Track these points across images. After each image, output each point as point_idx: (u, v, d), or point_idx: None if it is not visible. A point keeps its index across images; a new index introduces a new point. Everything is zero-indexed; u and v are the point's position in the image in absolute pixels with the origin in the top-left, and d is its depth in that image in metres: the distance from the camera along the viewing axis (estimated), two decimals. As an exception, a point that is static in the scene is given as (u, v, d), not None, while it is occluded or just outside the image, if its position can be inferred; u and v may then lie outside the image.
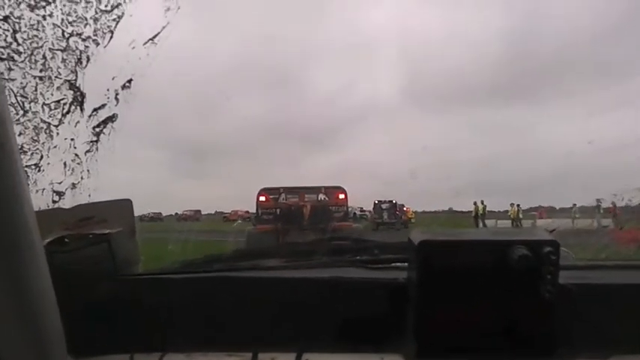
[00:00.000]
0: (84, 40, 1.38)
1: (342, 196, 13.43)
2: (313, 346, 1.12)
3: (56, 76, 1.38)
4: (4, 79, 1.31)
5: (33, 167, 1.39)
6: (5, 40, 1.30)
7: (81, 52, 1.38)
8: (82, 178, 1.46)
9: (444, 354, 1.05)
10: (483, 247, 1.04)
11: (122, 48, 1.44)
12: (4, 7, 1.28)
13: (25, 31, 1.32)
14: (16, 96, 1.34)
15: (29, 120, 1.37)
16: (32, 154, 1.38)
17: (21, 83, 1.34)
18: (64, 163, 1.45)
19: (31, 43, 1.33)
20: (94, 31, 1.38)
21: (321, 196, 13.31)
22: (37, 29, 1.33)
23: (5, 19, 1.29)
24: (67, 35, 1.36)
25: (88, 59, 1.39)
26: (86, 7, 1.36)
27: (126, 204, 1.36)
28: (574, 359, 1.05)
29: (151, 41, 1.45)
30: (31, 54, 1.34)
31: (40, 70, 1.36)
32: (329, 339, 1.12)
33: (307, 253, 1.61)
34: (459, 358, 1.05)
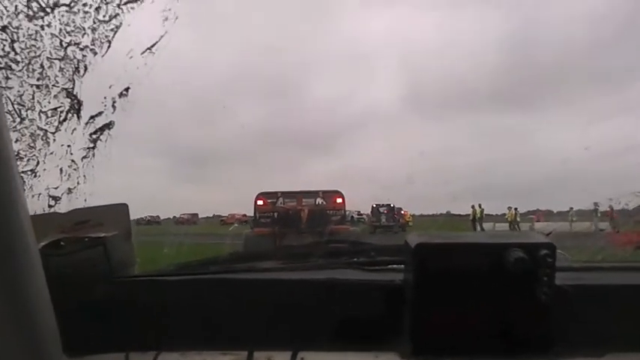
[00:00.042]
0: (82, 49, 1.39)
1: (339, 200, 13.40)
2: (309, 346, 1.12)
3: (53, 85, 1.39)
4: (2, 87, 1.32)
5: (29, 173, 1.40)
6: (3, 49, 1.31)
7: (79, 61, 1.39)
8: (78, 183, 1.47)
9: (439, 354, 1.05)
10: (480, 249, 1.05)
11: (120, 57, 1.45)
12: (2, 18, 1.30)
13: (23, 41, 1.33)
14: (13, 104, 1.35)
15: (26, 127, 1.38)
16: (29, 160, 1.39)
17: (18, 91, 1.35)
18: (61, 169, 1.45)
19: (28, 53, 1.34)
20: (92, 40, 1.39)
21: (319, 200, 13.27)
22: (35, 39, 1.34)
23: (3, 29, 1.30)
24: (64, 45, 1.37)
25: (86, 68, 1.40)
26: (84, 17, 1.37)
27: (122, 208, 1.37)
28: (570, 358, 1.06)
29: (148, 50, 1.46)
30: (29, 63, 1.35)
31: (38, 79, 1.37)
32: (325, 339, 1.13)
33: (304, 256, 1.61)
34: (454, 359, 1.05)
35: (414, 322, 1.07)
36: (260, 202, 13.25)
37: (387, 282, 1.17)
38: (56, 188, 1.46)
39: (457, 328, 1.05)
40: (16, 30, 1.31)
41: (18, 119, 1.37)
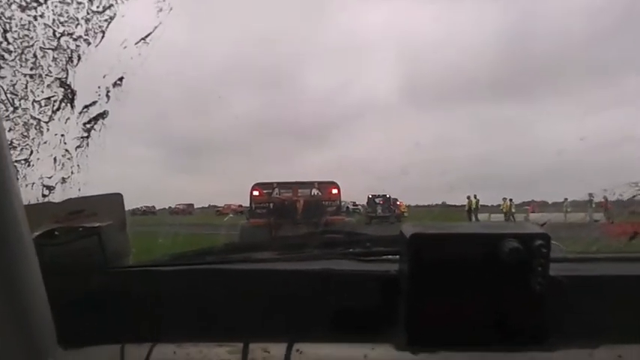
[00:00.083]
0: (75, 39, 1.38)
1: (334, 190, 13.44)
2: (305, 336, 1.12)
3: (47, 74, 1.38)
4: None
5: (23, 162, 1.39)
6: None
7: (72, 51, 1.38)
8: (72, 172, 1.46)
9: (434, 344, 1.06)
10: (474, 239, 1.05)
11: (114, 47, 1.44)
12: None
13: (15, 31, 1.32)
14: (5, 93, 1.34)
15: (19, 116, 1.37)
16: (22, 149, 1.39)
17: (11, 81, 1.35)
18: (54, 159, 1.45)
19: (21, 43, 1.33)
20: (86, 31, 1.38)
21: (314, 191, 13.32)
22: (28, 29, 1.33)
23: None
24: (58, 35, 1.36)
25: (79, 58, 1.39)
26: (78, 7, 1.36)
27: (116, 198, 1.36)
28: (564, 349, 1.06)
29: (142, 41, 1.45)
30: (22, 53, 1.34)
31: (31, 69, 1.36)
32: (320, 330, 1.13)
33: (299, 246, 1.60)
34: (449, 349, 1.06)
35: (410, 313, 1.07)
36: (256, 193, 13.27)
37: (383, 272, 1.17)
38: (50, 178, 1.45)
39: (452, 318, 1.05)
40: (8, 20, 1.30)
41: (11, 108, 1.36)
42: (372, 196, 28.39)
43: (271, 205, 12.98)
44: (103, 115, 1.46)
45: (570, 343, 1.07)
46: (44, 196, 1.44)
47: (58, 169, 1.46)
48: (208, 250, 1.58)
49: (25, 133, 1.39)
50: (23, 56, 1.35)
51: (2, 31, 1.30)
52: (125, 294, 1.19)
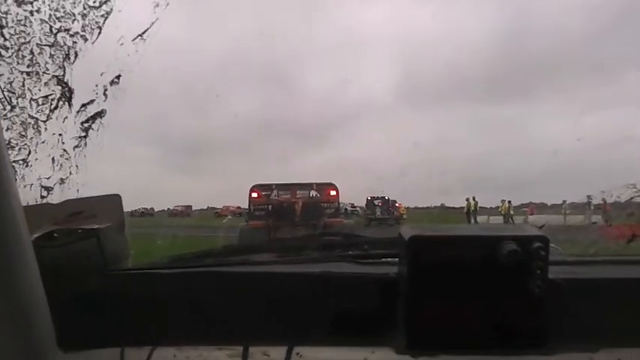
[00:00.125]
0: (72, 35, 1.37)
1: (333, 192, 13.48)
2: (304, 340, 1.12)
3: (44, 72, 1.37)
4: None
5: (21, 162, 1.38)
6: None
7: (69, 47, 1.37)
8: (70, 173, 1.45)
9: (433, 347, 1.06)
10: (473, 242, 1.05)
11: (111, 44, 1.43)
12: None
13: (12, 27, 1.31)
14: (2, 91, 1.33)
15: (17, 115, 1.36)
16: (20, 149, 1.38)
17: (8, 78, 1.33)
18: (53, 159, 1.44)
19: (18, 39, 1.32)
20: (82, 27, 1.37)
21: (313, 193, 13.36)
22: (25, 25, 1.32)
23: None
24: (54, 31, 1.35)
25: (76, 55, 1.38)
26: (74, 3, 1.35)
27: (115, 199, 1.36)
28: (563, 352, 1.06)
29: (139, 37, 1.45)
30: (19, 49, 1.33)
31: (28, 66, 1.35)
32: (320, 333, 1.13)
33: (298, 249, 1.60)
34: (448, 352, 1.05)
35: (409, 316, 1.07)
36: (254, 195, 13.31)
37: (382, 275, 1.17)
38: (48, 178, 1.44)
39: (451, 321, 1.05)
40: (4, 15, 1.29)
41: (8, 107, 1.35)
42: (371, 198, 28.47)
43: (270, 206, 13.01)
44: (100, 113, 1.45)
45: (569, 346, 1.07)
46: (43, 197, 1.43)
47: (56, 169, 1.45)
48: (207, 253, 1.58)
49: (23, 133, 1.38)
50: (20, 53, 1.34)
51: None
52: (124, 297, 1.19)
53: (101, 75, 1.45)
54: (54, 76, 1.38)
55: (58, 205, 1.35)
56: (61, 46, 1.37)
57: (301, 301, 1.16)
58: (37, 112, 1.39)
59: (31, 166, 1.41)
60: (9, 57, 1.32)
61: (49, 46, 1.36)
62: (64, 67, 1.39)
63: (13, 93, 1.35)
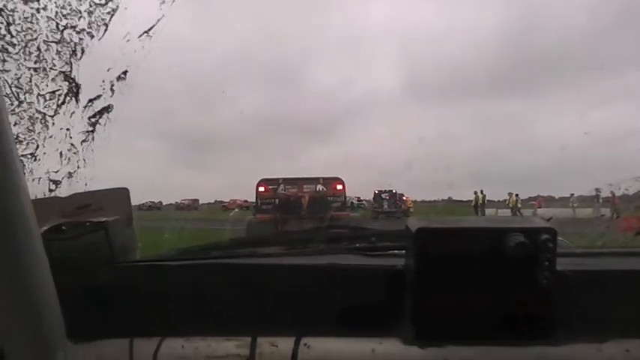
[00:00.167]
0: (78, 32, 1.38)
1: (339, 186, 13.45)
2: (312, 331, 1.12)
3: (51, 68, 1.39)
4: None
5: (29, 157, 1.40)
6: None
7: (75, 44, 1.39)
8: (78, 167, 1.47)
9: (441, 338, 1.06)
10: (480, 234, 1.04)
11: (117, 40, 1.44)
12: None
13: (19, 24, 1.32)
14: (10, 87, 1.34)
15: (24, 110, 1.38)
16: (28, 143, 1.39)
17: (15, 75, 1.35)
18: (60, 153, 1.45)
19: (25, 36, 1.33)
20: (89, 23, 1.38)
21: (319, 187, 13.33)
22: (31, 22, 1.33)
23: None
24: (61, 28, 1.36)
25: (83, 51, 1.40)
26: (80, 0, 1.36)
27: (123, 192, 1.37)
28: (571, 343, 1.05)
29: (146, 34, 1.45)
30: (26, 46, 1.34)
31: (35, 62, 1.36)
32: (328, 324, 1.13)
33: (305, 241, 1.60)
34: (456, 343, 1.05)
35: (416, 307, 1.06)
36: (261, 189, 13.31)
37: (388, 267, 1.16)
38: (56, 172, 1.46)
39: (458, 312, 1.05)
40: (11, 13, 1.30)
41: (16, 102, 1.36)
42: (379, 191, 28.41)
43: (277, 200, 13.01)
44: (107, 109, 1.46)
45: (578, 337, 1.06)
46: (51, 190, 1.45)
47: (64, 163, 1.46)
48: (215, 245, 1.59)
49: (31, 127, 1.40)
50: (27, 49, 1.35)
51: (6, 24, 1.30)
52: (133, 288, 1.19)
53: (108, 71, 1.46)
54: (61, 72, 1.40)
55: (66, 199, 1.36)
56: (68, 43, 1.38)
57: (309, 293, 1.16)
58: (45, 107, 1.41)
59: (40, 160, 1.42)
60: (16, 53, 1.33)
61: (55, 42, 1.37)
62: (71, 63, 1.40)
63: (21, 89, 1.36)
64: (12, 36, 1.32)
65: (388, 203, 28.08)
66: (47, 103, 1.41)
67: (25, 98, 1.37)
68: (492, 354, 1.05)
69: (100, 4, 1.37)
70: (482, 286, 1.04)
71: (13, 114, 1.35)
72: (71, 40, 1.38)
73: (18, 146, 1.33)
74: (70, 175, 1.46)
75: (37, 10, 1.33)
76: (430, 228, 1.05)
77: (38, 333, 0.93)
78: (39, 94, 1.39)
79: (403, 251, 1.17)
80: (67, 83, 1.41)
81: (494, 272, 1.03)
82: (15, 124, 1.35)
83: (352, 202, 26.38)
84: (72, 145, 1.46)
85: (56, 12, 1.35)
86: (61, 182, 1.46)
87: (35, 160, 1.41)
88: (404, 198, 28.88)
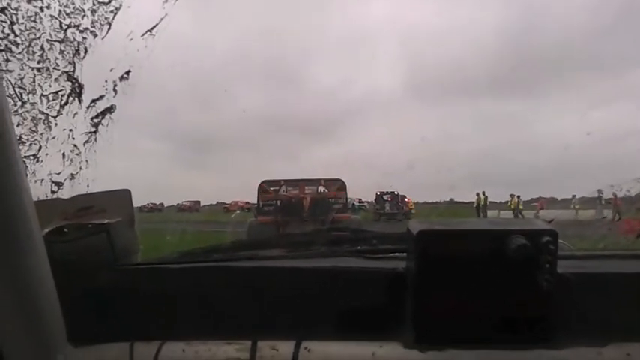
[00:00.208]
0: (82, 31, 1.38)
1: (341, 188, 13.49)
2: (312, 334, 1.11)
3: (54, 68, 1.39)
4: (2, 70, 1.31)
5: (32, 158, 1.40)
6: (3, 31, 1.30)
7: (79, 43, 1.39)
8: (80, 168, 1.47)
9: (442, 341, 1.05)
10: (482, 236, 1.04)
11: (120, 40, 1.44)
12: (1, 0, 1.28)
13: (22, 23, 1.32)
14: (14, 87, 1.34)
15: (27, 111, 1.38)
16: (31, 144, 1.39)
17: (19, 74, 1.35)
18: (63, 154, 1.45)
19: (28, 35, 1.33)
20: (92, 22, 1.38)
21: (321, 189, 13.37)
22: (35, 21, 1.33)
23: (2, 10, 1.29)
24: (64, 27, 1.36)
25: (86, 51, 1.40)
26: (84, -1, 1.36)
27: (124, 194, 1.36)
28: (572, 346, 1.05)
29: (148, 33, 1.45)
30: (29, 45, 1.34)
31: (38, 62, 1.36)
32: (328, 327, 1.12)
33: (306, 243, 1.59)
34: (457, 346, 1.05)
35: (417, 310, 1.06)
36: (263, 191, 13.34)
37: (390, 270, 1.16)
38: (59, 174, 1.46)
39: (459, 315, 1.04)
40: (15, 12, 1.30)
41: (19, 103, 1.36)
42: (381, 193, 28.42)
43: (278, 202, 13.04)
44: (110, 109, 1.46)
45: (578, 340, 1.06)
46: (53, 192, 1.45)
47: (66, 164, 1.46)
48: (216, 248, 1.59)
49: (34, 128, 1.39)
50: (30, 49, 1.35)
51: (9, 22, 1.30)
52: (134, 291, 1.19)
53: (111, 71, 1.46)
54: (64, 72, 1.40)
55: (68, 201, 1.35)
56: (71, 42, 1.38)
57: (310, 296, 1.15)
58: (48, 107, 1.41)
59: (42, 161, 1.42)
60: (20, 53, 1.33)
61: (59, 42, 1.37)
62: (74, 63, 1.40)
63: (24, 89, 1.36)
64: (16, 35, 1.31)
65: (390, 205, 28.11)
66: (50, 103, 1.41)
67: (28, 99, 1.37)
68: (493, 357, 1.05)
69: (104, 3, 1.37)
70: (483, 289, 1.04)
71: (16, 115, 1.34)
72: (74, 40, 1.38)
73: (21, 147, 1.32)
74: (72, 176, 1.46)
75: (41, 8, 1.33)
76: (431, 230, 1.05)
77: (38, 336, 0.92)
78: (42, 95, 1.39)
79: (404, 254, 1.16)
80: (70, 83, 1.41)
81: (495, 275, 1.03)
82: (18, 125, 1.35)
83: (353, 204, 26.42)
84: (74, 146, 1.46)
85: (60, 11, 1.35)
86: (63, 184, 1.46)
87: (38, 161, 1.41)
88: (406, 200, 28.90)
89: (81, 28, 1.38)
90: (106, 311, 1.17)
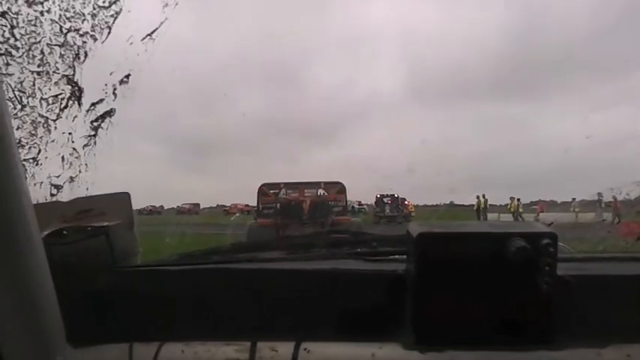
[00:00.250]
0: (82, 35, 1.39)
1: (340, 191, 13.51)
2: (312, 336, 1.11)
3: (54, 71, 1.39)
4: (2, 74, 1.32)
5: (31, 161, 1.40)
6: (3, 35, 1.31)
7: (79, 47, 1.39)
8: (80, 171, 1.47)
9: (441, 343, 1.05)
10: (482, 238, 1.04)
11: (120, 44, 1.44)
12: (1, 3, 1.29)
13: (22, 27, 1.33)
14: (13, 90, 1.34)
15: (27, 114, 1.38)
16: (30, 148, 1.40)
17: (19, 78, 1.35)
18: (62, 157, 1.45)
19: (28, 39, 1.34)
20: (92, 26, 1.39)
21: (321, 191, 13.39)
22: (35, 25, 1.34)
23: (3, 14, 1.29)
24: (64, 31, 1.37)
25: (86, 55, 1.40)
26: (84, 3, 1.37)
27: (124, 197, 1.36)
28: (571, 348, 1.05)
29: (149, 37, 1.46)
30: (29, 49, 1.34)
31: (38, 65, 1.37)
32: (328, 329, 1.12)
33: (306, 246, 1.60)
34: (456, 348, 1.05)
35: (417, 312, 1.06)
36: (263, 193, 13.35)
37: (390, 272, 1.16)
38: (58, 177, 1.46)
39: (459, 317, 1.05)
40: (15, 16, 1.31)
41: (19, 106, 1.37)
42: (381, 195, 28.46)
43: (278, 205, 13.05)
44: (110, 112, 1.46)
45: (578, 342, 1.06)
46: (52, 195, 1.45)
47: (66, 167, 1.46)
48: (216, 250, 1.58)
49: (33, 132, 1.40)
50: (30, 53, 1.35)
51: (9, 26, 1.31)
52: (133, 293, 1.19)
53: (111, 74, 1.46)
54: (64, 76, 1.40)
55: (67, 203, 1.35)
56: (71, 46, 1.39)
57: (309, 298, 1.15)
58: (47, 111, 1.41)
59: (41, 164, 1.42)
60: (20, 57, 1.34)
61: (59, 45, 1.38)
62: (74, 67, 1.40)
63: (24, 92, 1.37)
64: (16, 39, 1.32)
65: (390, 207, 28.14)
66: (50, 106, 1.41)
67: (28, 102, 1.38)
68: (493, 358, 1.05)
69: (104, 7, 1.38)
70: (483, 291, 1.04)
71: (15, 118, 1.35)
72: (74, 44, 1.39)
73: (20, 150, 1.33)
74: (71, 179, 1.47)
75: (41, 12, 1.33)
76: (431, 233, 1.05)
77: (38, 337, 0.93)
78: (42, 98, 1.39)
79: (404, 256, 1.16)
80: (69, 87, 1.41)
81: (495, 277, 1.03)
82: (18, 128, 1.36)
83: (353, 207, 26.40)
84: (74, 149, 1.46)
85: (60, 15, 1.36)
86: (62, 187, 1.46)
87: (37, 164, 1.41)
88: (406, 202, 28.90)
89: (81, 32, 1.38)
90: (105, 313, 1.17)
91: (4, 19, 1.30)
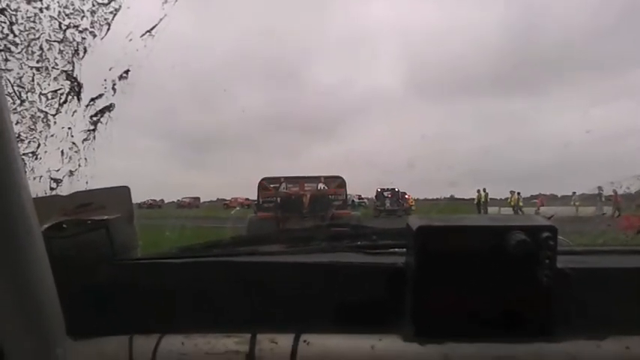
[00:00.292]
0: (81, 32, 1.39)
1: (340, 185, 13.50)
2: (312, 328, 1.12)
3: (53, 67, 1.39)
4: (1, 69, 1.32)
5: (30, 155, 1.41)
6: (2, 31, 1.31)
7: (78, 43, 1.39)
8: (79, 165, 1.47)
9: (440, 335, 1.06)
10: (481, 232, 1.05)
11: (119, 40, 1.44)
12: (0, 0, 1.29)
13: (21, 23, 1.33)
14: (13, 86, 1.35)
15: (26, 109, 1.39)
16: (30, 142, 1.40)
17: (18, 74, 1.36)
18: (62, 152, 1.46)
19: (27, 35, 1.34)
20: (91, 23, 1.39)
21: (321, 185, 13.39)
22: (34, 21, 1.34)
23: (2, 11, 1.30)
24: (63, 27, 1.37)
25: (85, 50, 1.40)
26: (83, 0, 1.37)
27: (124, 191, 1.36)
28: (571, 340, 1.05)
29: (148, 33, 1.45)
30: (28, 45, 1.35)
31: (37, 61, 1.37)
32: (328, 321, 1.13)
33: (306, 239, 1.59)
34: (455, 340, 1.05)
35: (416, 305, 1.07)
36: (263, 187, 13.35)
37: (389, 265, 1.16)
38: (57, 171, 1.46)
39: (459, 310, 1.05)
40: (14, 12, 1.31)
41: (18, 101, 1.37)
42: (381, 189, 28.50)
43: (278, 199, 13.05)
44: (109, 107, 1.47)
45: (577, 334, 1.06)
46: (52, 189, 1.45)
47: (65, 162, 1.47)
48: (215, 243, 1.58)
49: (33, 126, 1.40)
50: (29, 49, 1.35)
51: (9, 23, 1.31)
52: (133, 286, 1.20)
53: (110, 70, 1.46)
54: (63, 71, 1.40)
55: (67, 197, 1.36)
56: (70, 42, 1.39)
57: (309, 290, 1.16)
58: (47, 106, 1.41)
59: (41, 158, 1.43)
60: (19, 53, 1.34)
61: (58, 42, 1.38)
62: (73, 63, 1.40)
63: (23, 87, 1.37)
64: (15, 35, 1.32)
65: (390, 201, 28.18)
66: (49, 102, 1.41)
67: (27, 97, 1.38)
68: (492, 351, 1.05)
69: (103, 4, 1.38)
70: (483, 284, 1.04)
71: (15, 113, 1.35)
72: (74, 40, 1.39)
73: (19, 145, 1.33)
74: (71, 173, 1.47)
75: (40, 9, 1.34)
76: (431, 226, 1.06)
77: (38, 330, 0.93)
78: (41, 93, 1.40)
79: (404, 249, 1.17)
80: (69, 82, 1.41)
81: (495, 270, 1.03)
82: (17, 122, 1.36)
83: (353, 201, 26.47)
84: (73, 143, 1.46)
85: (59, 11, 1.36)
86: (62, 181, 1.46)
87: (36, 158, 1.42)
88: (406, 196, 28.92)
89: (80, 29, 1.38)
90: (105, 305, 1.18)
91: (3, 16, 1.30)
